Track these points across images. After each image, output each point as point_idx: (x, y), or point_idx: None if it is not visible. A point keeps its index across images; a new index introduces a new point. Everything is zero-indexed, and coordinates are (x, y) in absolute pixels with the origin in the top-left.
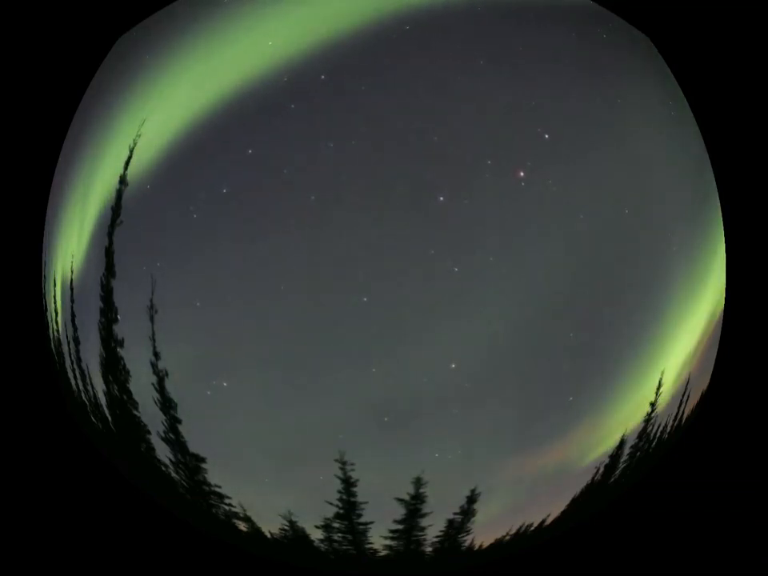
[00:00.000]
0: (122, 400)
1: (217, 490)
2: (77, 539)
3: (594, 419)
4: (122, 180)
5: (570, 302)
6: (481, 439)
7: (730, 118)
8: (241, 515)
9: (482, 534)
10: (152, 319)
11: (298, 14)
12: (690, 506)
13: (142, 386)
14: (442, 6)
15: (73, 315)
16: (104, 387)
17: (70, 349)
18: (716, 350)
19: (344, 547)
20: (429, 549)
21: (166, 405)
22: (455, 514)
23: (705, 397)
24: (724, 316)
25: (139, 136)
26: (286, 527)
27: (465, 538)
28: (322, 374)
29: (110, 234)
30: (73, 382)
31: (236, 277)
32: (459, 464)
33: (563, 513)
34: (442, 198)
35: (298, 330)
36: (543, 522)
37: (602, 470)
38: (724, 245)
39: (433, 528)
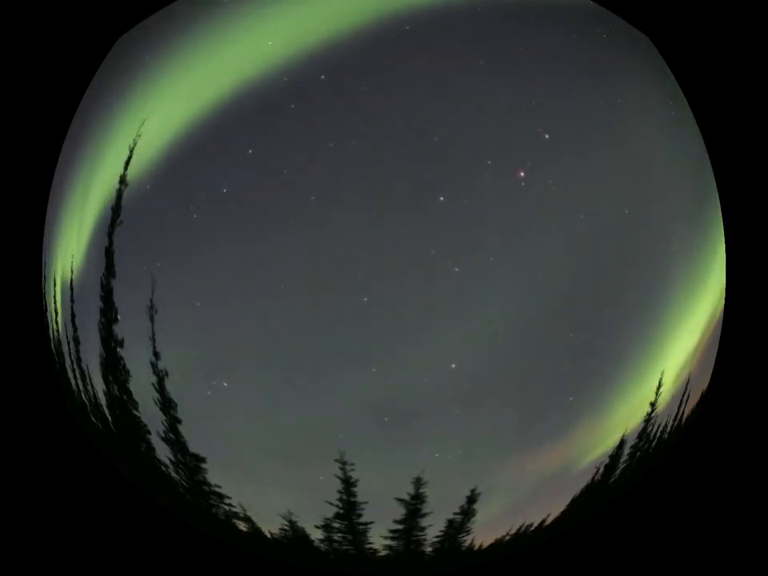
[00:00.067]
0: (122, 400)
1: (217, 490)
2: (77, 539)
3: (594, 419)
4: (122, 180)
5: (570, 302)
6: (481, 439)
7: (730, 118)
8: (241, 515)
9: (482, 533)
10: (152, 319)
11: (298, 13)
12: (690, 505)
13: (141, 386)
14: (443, 6)
15: (73, 315)
16: (104, 387)
17: (69, 349)
18: (716, 350)
19: (344, 547)
20: (429, 549)
21: (166, 405)
22: (455, 513)
23: (705, 397)
24: (724, 316)
25: (139, 136)
26: (285, 527)
27: (465, 538)
28: (322, 374)
29: (110, 234)
30: (73, 382)
31: (236, 277)
32: (459, 464)
33: (563, 513)
34: (442, 198)
35: (298, 329)
36: (543, 521)
37: (601, 470)
38: (724, 245)
39: (433, 528)
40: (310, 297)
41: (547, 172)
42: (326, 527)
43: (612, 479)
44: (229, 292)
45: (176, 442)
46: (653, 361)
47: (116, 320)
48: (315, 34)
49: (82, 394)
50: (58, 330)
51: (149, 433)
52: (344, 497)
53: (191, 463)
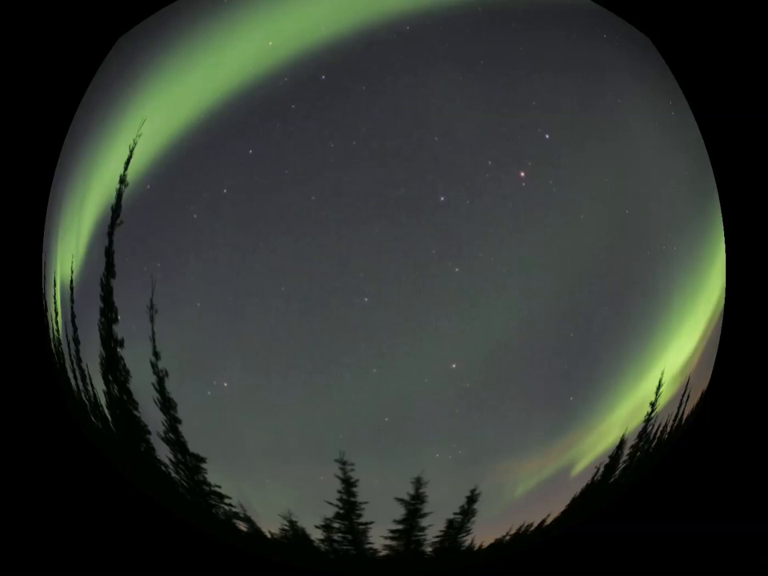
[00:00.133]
0: (122, 400)
1: (217, 490)
2: (77, 539)
3: (594, 419)
4: (122, 180)
5: (570, 302)
6: (481, 439)
7: (730, 118)
8: (241, 515)
9: (482, 534)
10: (152, 319)
11: (298, 14)
12: (690, 505)
13: (141, 386)
14: (443, 6)
15: (73, 315)
16: (104, 387)
17: (69, 349)
18: (716, 350)
19: (344, 547)
20: (429, 549)
21: (166, 405)
22: (455, 513)
23: (705, 397)
24: (724, 316)
25: (139, 136)
26: (285, 527)
27: (465, 538)
28: (322, 374)
29: (110, 234)
30: (73, 382)
31: (236, 277)
32: (459, 464)
33: (563, 513)
34: (442, 199)
35: (298, 330)
36: (543, 521)
37: (601, 470)
38: (724, 245)
39: (433, 528)
40: (310, 297)
41: (547, 172)
42: (326, 527)
43: (612, 479)
44: (229, 292)
45: (176, 442)
46: (653, 361)
47: (116, 320)
48: (315, 33)
49: (82, 394)
50: (58, 330)
51: (149, 433)
52: (344, 497)
53: (191, 463)
